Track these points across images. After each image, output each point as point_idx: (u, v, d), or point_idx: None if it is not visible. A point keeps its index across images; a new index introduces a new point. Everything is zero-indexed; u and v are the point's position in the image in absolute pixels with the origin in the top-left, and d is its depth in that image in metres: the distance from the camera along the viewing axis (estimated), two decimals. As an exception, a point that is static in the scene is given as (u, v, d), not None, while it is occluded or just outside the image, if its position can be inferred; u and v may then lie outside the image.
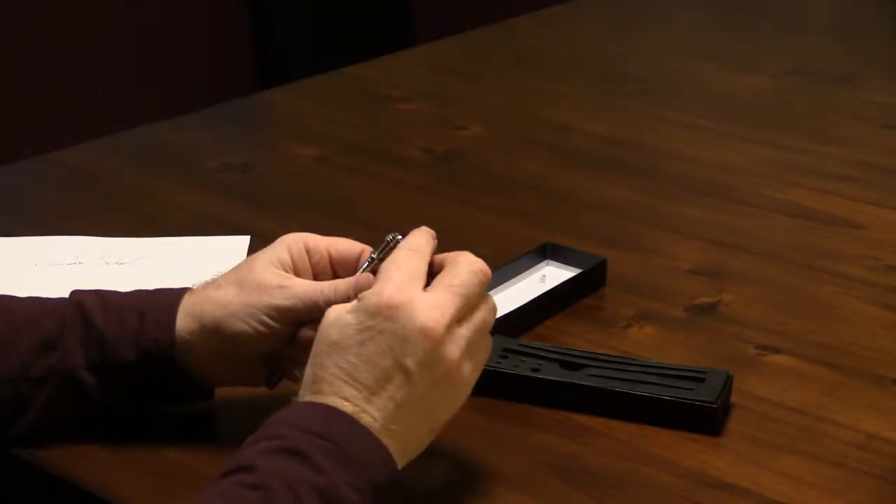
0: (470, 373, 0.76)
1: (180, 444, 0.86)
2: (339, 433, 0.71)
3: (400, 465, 0.73)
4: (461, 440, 0.85)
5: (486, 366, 0.79)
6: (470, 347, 0.76)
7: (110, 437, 0.86)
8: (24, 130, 2.68)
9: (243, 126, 1.54)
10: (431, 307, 0.74)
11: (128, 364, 0.84)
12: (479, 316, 0.77)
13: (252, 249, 1.11)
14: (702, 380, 0.89)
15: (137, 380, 0.84)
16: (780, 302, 1.06)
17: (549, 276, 1.07)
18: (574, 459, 0.85)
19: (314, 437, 0.70)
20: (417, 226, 0.81)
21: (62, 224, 1.20)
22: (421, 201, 1.27)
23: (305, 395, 0.74)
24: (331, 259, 0.85)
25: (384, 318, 0.73)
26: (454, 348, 0.74)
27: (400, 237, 0.80)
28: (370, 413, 0.72)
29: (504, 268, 1.04)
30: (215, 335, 0.83)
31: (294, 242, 0.85)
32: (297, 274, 0.84)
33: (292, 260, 0.85)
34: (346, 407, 0.72)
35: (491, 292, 0.79)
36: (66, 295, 0.87)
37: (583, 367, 0.91)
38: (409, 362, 0.73)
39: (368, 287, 0.77)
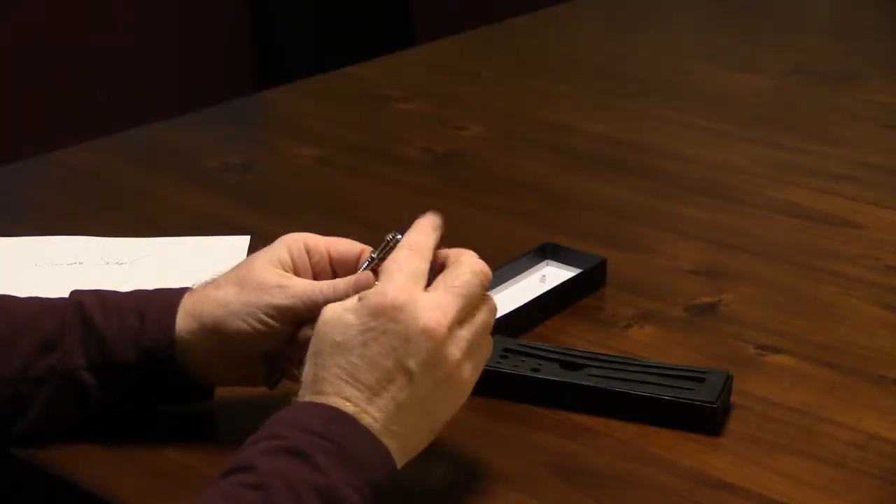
0: (470, 373, 0.76)
1: (180, 444, 0.86)
2: (339, 433, 0.71)
3: (399, 464, 0.73)
4: (461, 440, 0.85)
5: (486, 366, 0.79)
6: (471, 348, 0.76)
7: (110, 437, 0.86)
8: (24, 130, 2.68)
9: (243, 126, 1.54)
10: (434, 308, 0.74)
11: (128, 364, 0.84)
12: (479, 317, 0.77)
13: (252, 249, 1.11)
14: (702, 380, 0.89)
15: (137, 380, 0.84)
16: (780, 302, 1.06)
17: (549, 276, 1.07)
18: (574, 459, 0.85)
19: (315, 437, 0.70)
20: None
21: (62, 224, 1.20)
22: (421, 201, 1.26)
23: (306, 395, 0.74)
24: (331, 259, 0.85)
25: (387, 319, 0.73)
26: (455, 349, 0.75)
27: (400, 237, 0.80)
28: (371, 414, 0.72)
29: (504, 268, 1.04)
30: (215, 334, 0.83)
31: (294, 242, 0.85)
32: (297, 274, 0.84)
33: (292, 260, 0.85)
34: (348, 407, 0.72)
35: (491, 292, 0.79)
36: (66, 295, 0.87)
37: (583, 367, 0.91)
38: (411, 363, 0.73)
39: (368, 286, 0.78)
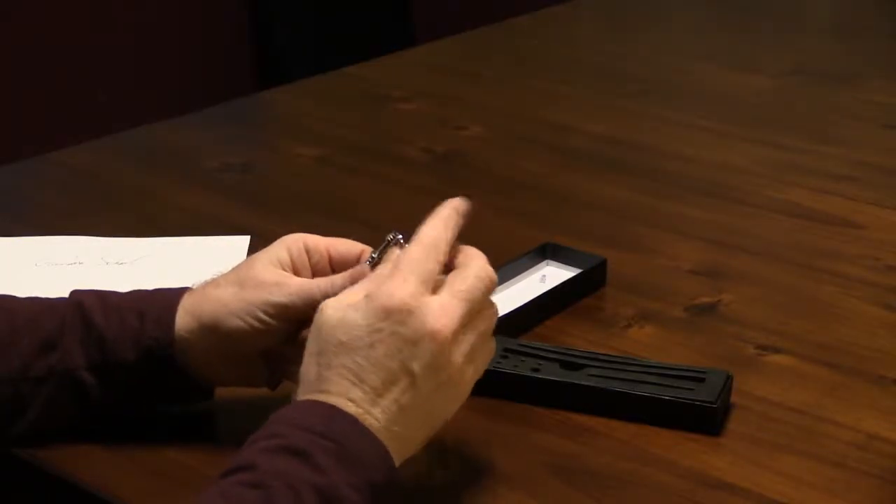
0: (471, 376, 0.77)
1: (180, 444, 0.86)
2: (339, 432, 0.71)
3: (397, 464, 0.73)
4: (461, 440, 0.85)
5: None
6: (473, 352, 0.76)
7: (110, 437, 0.86)
8: (24, 130, 2.68)
9: (243, 126, 1.54)
10: (441, 313, 0.74)
11: (128, 364, 0.84)
12: (482, 321, 0.77)
13: (252, 249, 1.11)
14: (702, 380, 0.89)
15: (137, 380, 0.84)
16: (780, 302, 1.06)
17: (549, 276, 1.07)
18: (574, 459, 0.85)
19: (315, 436, 0.70)
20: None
21: (62, 224, 1.20)
22: (421, 201, 1.25)
23: (307, 394, 0.74)
24: (330, 259, 0.86)
25: (395, 322, 0.73)
26: (459, 353, 0.75)
27: (400, 236, 0.80)
28: (374, 415, 0.72)
29: (504, 268, 1.04)
30: (214, 333, 0.83)
31: (294, 243, 0.86)
32: (297, 273, 0.85)
33: (291, 260, 0.85)
34: (351, 408, 0.72)
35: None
36: (66, 295, 0.87)
37: (583, 367, 0.91)
38: (416, 366, 0.73)
39: (363, 277, 0.78)
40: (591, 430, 0.88)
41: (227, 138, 1.46)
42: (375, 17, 3.30)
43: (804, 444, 0.86)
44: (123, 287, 0.89)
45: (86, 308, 0.85)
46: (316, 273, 0.85)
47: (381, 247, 0.82)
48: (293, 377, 0.77)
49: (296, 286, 0.83)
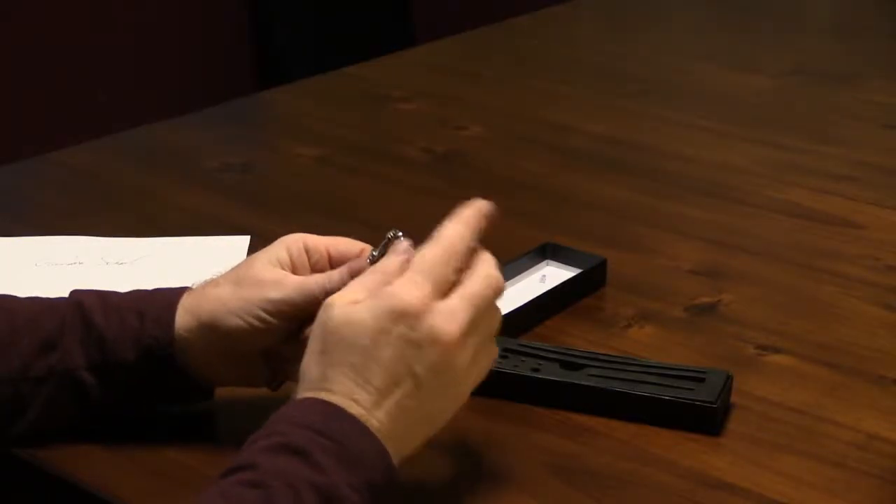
0: (474, 379, 0.77)
1: (180, 444, 0.86)
2: (340, 431, 0.71)
3: (395, 464, 0.73)
4: (461, 440, 0.85)
5: (485, 367, 0.79)
6: (477, 355, 0.76)
7: (110, 437, 0.86)
8: (24, 130, 2.68)
9: (243, 126, 1.54)
10: (450, 318, 0.73)
11: (128, 363, 0.84)
12: (487, 325, 0.77)
13: (252, 249, 1.11)
14: (702, 380, 0.89)
15: (137, 380, 0.84)
16: (780, 302, 1.06)
17: (549, 276, 1.07)
18: (574, 459, 0.85)
19: (315, 434, 0.70)
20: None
21: (62, 224, 1.20)
22: (421, 201, 1.27)
23: (309, 391, 0.73)
24: (330, 259, 0.86)
25: (403, 324, 0.73)
26: (463, 358, 0.75)
27: (400, 234, 0.80)
28: (377, 416, 0.72)
29: (504, 268, 1.03)
30: (213, 332, 0.83)
31: (294, 243, 0.86)
32: (296, 273, 0.85)
33: (291, 260, 0.85)
34: (354, 408, 0.72)
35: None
36: (66, 295, 0.87)
37: (583, 367, 0.91)
38: (420, 369, 0.73)
39: (361, 271, 0.78)
40: (591, 430, 0.88)
41: (227, 138, 1.46)
42: (375, 17, 3.30)
43: (804, 444, 0.86)
44: (123, 287, 0.89)
45: (86, 308, 0.85)
46: (316, 273, 0.85)
47: (381, 245, 0.82)
48: (294, 376, 0.77)
49: (294, 283, 0.83)
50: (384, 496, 0.71)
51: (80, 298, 0.86)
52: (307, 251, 0.85)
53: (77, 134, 1.53)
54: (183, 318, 0.84)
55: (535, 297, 1.02)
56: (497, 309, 0.78)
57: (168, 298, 0.85)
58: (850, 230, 1.20)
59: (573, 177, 1.34)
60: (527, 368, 0.91)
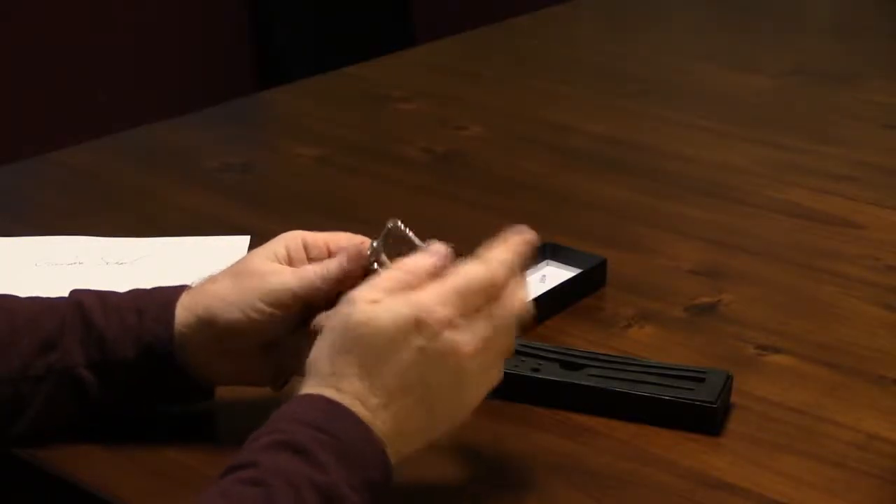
0: (481, 394, 0.77)
1: (180, 444, 0.86)
2: (341, 429, 0.71)
3: (394, 464, 0.73)
4: (461, 440, 0.85)
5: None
6: (488, 372, 0.76)
7: (110, 437, 0.86)
8: (24, 130, 2.68)
9: (243, 126, 1.54)
10: (469, 338, 0.74)
11: (128, 362, 0.84)
12: (502, 345, 0.77)
13: (252, 250, 1.11)
14: (702, 380, 0.89)
15: (137, 379, 0.84)
16: (780, 302, 1.06)
17: (549, 276, 1.07)
18: (574, 459, 0.85)
19: (317, 431, 0.70)
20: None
21: (62, 224, 1.20)
22: (421, 201, 1.27)
23: (316, 386, 0.73)
24: (330, 254, 0.85)
25: (423, 337, 0.72)
26: (473, 373, 0.75)
27: (400, 223, 0.80)
28: (381, 418, 0.72)
29: (504, 268, 1.04)
30: (212, 326, 0.83)
31: (292, 239, 0.86)
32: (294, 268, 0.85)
33: (288, 255, 0.85)
34: (359, 409, 0.72)
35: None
36: (66, 295, 0.87)
37: (583, 367, 0.91)
38: (431, 380, 0.73)
39: (359, 259, 0.80)
40: (591, 430, 0.88)
41: (227, 138, 1.46)
42: (375, 17, 3.30)
43: (804, 444, 0.86)
44: (123, 287, 0.89)
45: (85, 308, 0.85)
46: (315, 268, 0.85)
47: (381, 235, 0.82)
48: (299, 370, 0.76)
49: (291, 272, 0.83)
50: (383, 495, 0.71)
51: (79, 298, 0.86)
52: (306, 247, 0.85)
53: (77, 134, 1.53)
54: (182, 314, 0.84)
55: (535, 297, 1.01)
56: (514, 331, 0.78)
57: (167, 296, 0.85)
58: (850, 230, 1.20)
59: (573, 177, 1.34)
60: (527, 368, 0.91)
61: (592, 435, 0.88)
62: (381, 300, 0.73)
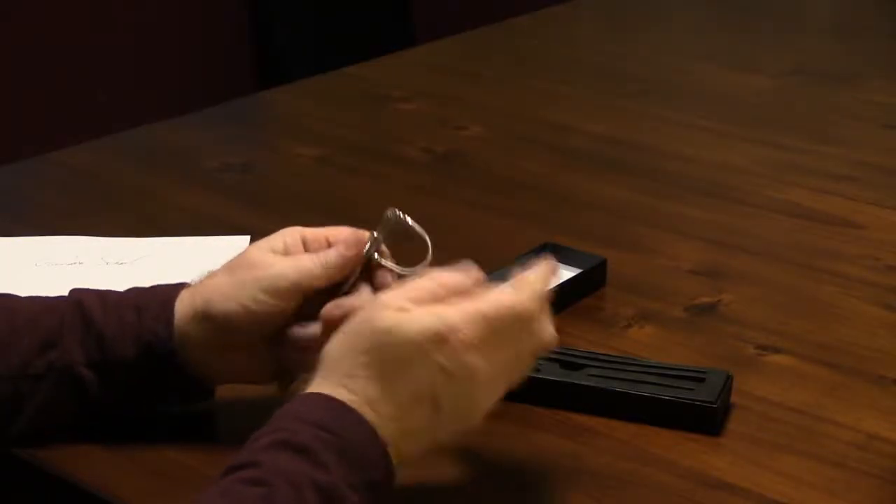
0: (488, 408, 0.77)
1: (180, 444, 0.86)
2: (344, 428, 0.71)
3: (394, 464, 0.73)
4: (461, 440, 0.85)
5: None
6: (499, 390, 0.77)
7: (110, 437, 0.86)
8: (24, 130, 2.68)
9: (243, 126, 1.54)
10: (489, 366, 0.74)
11: (128, 361, 0.84)
12: (521, 371, 0.78)
13: (252, 249, 1.11)
14: (702, 380, 0.89)
15: (137, 378, 0.84)
16: (780, 302, 1.06)
17: (549, 276, 1.07)
18: (574, 459, 0.85)
19: (319, 430, 0.70)
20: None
21: (62, 224, 1.20)
22: (421, 201, 1.27)
23: (328, 384, 0.73)
24: (329, 247, 0.85)
25: (444, 355, 0.72)
26: (486, 394, 0.75)
27: (400, 213, 0.80)
28: (389, 426, 0.72)
29: (504, 268, 1.04)
30: (210, 320, 0.83)
31: (290, 234, 0.86)
32: None
33: (286, 249, 0.85)
34: (368, 413, 0.72)
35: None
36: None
37: (583, 367, 0.91)
38: (444, 397, 0.73)
39: (357, 244, 0.81)
40: (591, 430, 0.88)
41: (227, 138, 1.46)
42: (375, 17, 3.30)
43: (804, 444, 0.86)
44: (123, 287, 0.89)
45: (85, 307, 0.85)
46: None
47: (381, 225, 0.82)
48: (306, 366, 0.76)
49: (289, 261, 0.83)
50: (383, 496, 0.71)
51: (79, 297, 0.86)
52: (305, 243, 0.85)
53: (77, 134, 1.53)
54: (181, 311, 0.84)
55: (535, 297, 1.01)
56: (534, 362, 0.79)
57: (167, 294, 0.85)
58: (850, 230, 1.20)
59: (573, 177, 1.34)
60: (527, 368, 0.91)
61: (592, 435, 0.87)
62: (409, 310, 0.73)
